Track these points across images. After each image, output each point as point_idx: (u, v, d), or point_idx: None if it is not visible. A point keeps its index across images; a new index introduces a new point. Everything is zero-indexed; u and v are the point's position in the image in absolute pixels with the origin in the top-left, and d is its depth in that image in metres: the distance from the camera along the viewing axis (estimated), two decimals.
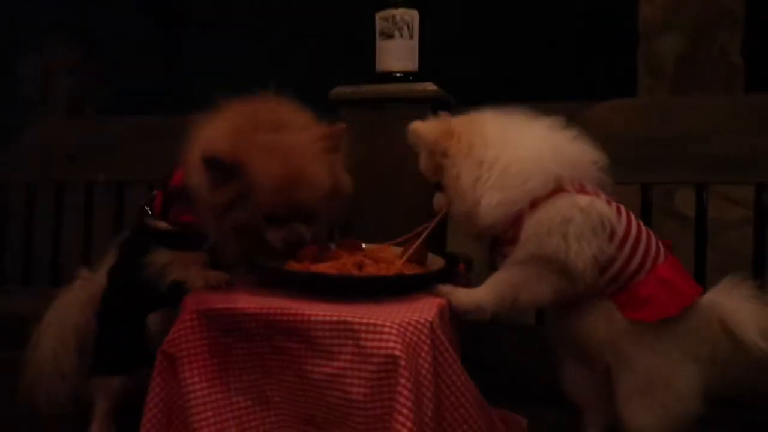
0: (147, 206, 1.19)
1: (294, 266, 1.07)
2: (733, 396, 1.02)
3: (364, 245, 1.21)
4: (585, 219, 0.98)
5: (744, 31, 2.45)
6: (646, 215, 1.41)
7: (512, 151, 1.01)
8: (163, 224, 1.16)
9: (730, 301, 1.01)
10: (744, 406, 1.20)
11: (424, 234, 1.11)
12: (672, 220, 2.19)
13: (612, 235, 0.99)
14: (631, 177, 1.39)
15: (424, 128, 1.07)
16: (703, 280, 1.34)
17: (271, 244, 1.07)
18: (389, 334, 0.87)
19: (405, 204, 1.34)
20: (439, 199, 1.11)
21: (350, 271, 1.05)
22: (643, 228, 1.04)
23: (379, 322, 0.88)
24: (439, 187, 1.10)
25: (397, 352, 0.85)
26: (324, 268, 1.05)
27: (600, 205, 0.99)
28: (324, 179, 1.06)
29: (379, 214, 1.37)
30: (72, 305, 1.30)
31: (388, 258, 1.13)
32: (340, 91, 1.41)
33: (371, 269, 1.07)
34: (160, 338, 1.19)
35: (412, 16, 1.36)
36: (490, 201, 0.99)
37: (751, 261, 1.33)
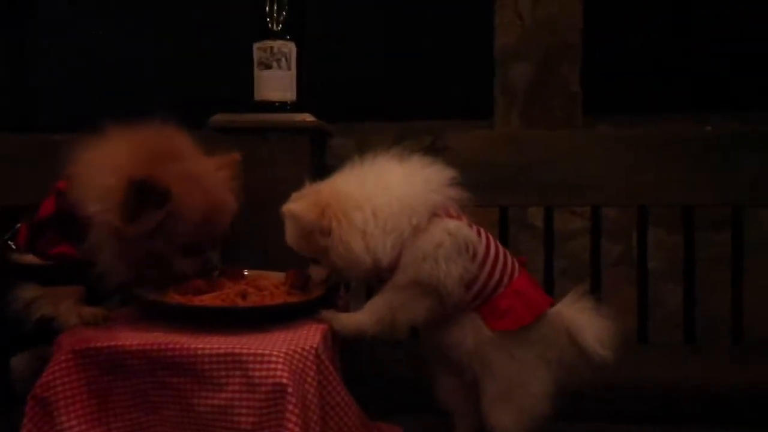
0: (9, 240, 1.12)
1: (176, 298, 1.07)
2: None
3: (246, 272, 1.24)
4: (453, 242, 1.07)
5: (582, 63, 2.77)
6: (503, 232, 1.58)
7: (387, 196, 1.07)
8: (30, 257, 1.09)
9: (573, 312, 1.15)
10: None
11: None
12: (525, 230, 2.44)
13: (474, 255, 1.11)
14: (490, 199, 1.55)
15: (301, 210, 1.06)
16: (552, 287, 1.54)
17: (182, 272, 1.08)
18: (276, 362, 0.91)
19: (282, 231, 1.38)
20: (317, 272, 1.13)
21: (234, 301, 1.07)
22: (500, 247, 1.17)
23: (266, 351, 0.92)
24: (314, 260, 1.13)
25: (285, 380, 0.89)
26: (208, 299, 1.06)
27: (464, 229, 1.10)
28: (234, 206, 1.12)
29: (256, 240, 1.39)
30: None
31: (269, 285, 1.17)
32: (220, 118, 1.41)
33: (255, 298, 1.10)
34: (25, 382, 1.13)
35: (289, 48, 1.41)
36: (385, 247, 1.05)
37: (589, 268, 1.55)
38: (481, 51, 2.86)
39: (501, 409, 1.14)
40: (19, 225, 1.15)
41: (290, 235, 1.11)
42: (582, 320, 1.14)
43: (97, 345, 0.95)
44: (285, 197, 1.17)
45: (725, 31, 2.65)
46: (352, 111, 2.74)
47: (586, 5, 2.79)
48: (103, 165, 1.03)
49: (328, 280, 1.15)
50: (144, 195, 0.98)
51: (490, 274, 1.12)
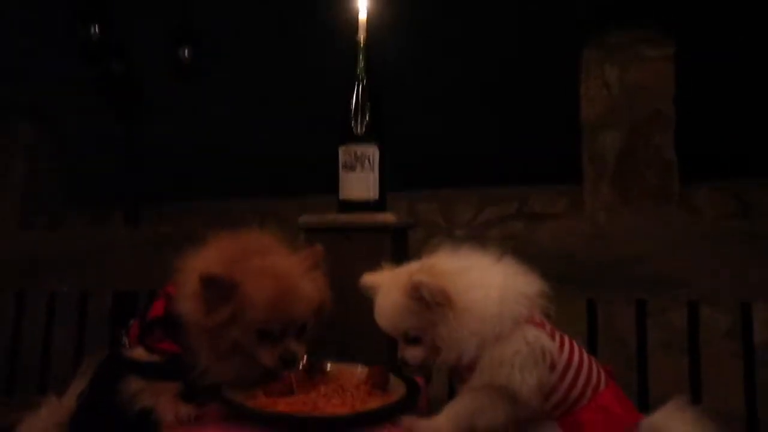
0: (125, 335, 1.25)
1: (262, 399, 1.13)
2: None
3: (329, 366, 1.28)
4: (530, 351, 1.07)
5: (676, 129, 2.68)
6: (592, 332, 1.53)
7: (483, 297, 1.09)
8: (139, 352, 1.21)
9: (674, 424, 1.09)
10: None
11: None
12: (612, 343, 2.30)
13: (553, 366, 1.09)
14: (578, 295, 1.52)
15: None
16: (646, 394, 1.45)
17: (263, 363, 1.14)
18: None
19: (364, 325, 1.41)
20: (413, 353, 1.13)
21: (316, 403, 1.12)
22: (585, 357, 1.14)
23: None
24: (411, 340, 1.13)
25: None
26: (290, 402, 1.12)
27: (544, 339, 1.10)
28: (312, 293, 1.17)
29: (340, 334, 1.43)
30: (39, 430, 1.30)
31: (350, 386, 1.20)
32: (308, 219, 1.52)
33: (337, 401, 1.14)
34: None
35: (372, 151, 1.50)
36: (470, 346, 1.08)
37: (688, 375, 1.46)
38: (568, 119, 2.85)
39: None
40: (132, 321, 1.28)
41: (396, 307, 1.12)
42: None
43: None
44: (365, 292, 1.21)
45: None
46: (436, 177, 2.79)
47: (678, 71, 2.72)
48: (194, 270, 1.14)
49: (424, 363, 1.14)
50: (212, 287, 1.08)
51: (572, 385, 1.09)
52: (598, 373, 1.13)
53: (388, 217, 1.46)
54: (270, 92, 3.10)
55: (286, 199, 2.82)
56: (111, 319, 1.82)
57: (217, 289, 1.09)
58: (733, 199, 2.54)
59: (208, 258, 1.16)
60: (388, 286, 1.16)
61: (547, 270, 1.40)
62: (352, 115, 1.52)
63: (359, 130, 1.51)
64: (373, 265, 1.44)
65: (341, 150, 1.52)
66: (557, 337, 1.13)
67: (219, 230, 1.21)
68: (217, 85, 3.22)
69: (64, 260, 1.96)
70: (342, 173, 1.51)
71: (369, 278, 1.20)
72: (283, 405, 1.11)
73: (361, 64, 1.54)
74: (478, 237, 2.80)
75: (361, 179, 1.48)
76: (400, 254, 1.52)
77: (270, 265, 1.15)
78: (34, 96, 3.23)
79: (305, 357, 1.26)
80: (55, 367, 1.89)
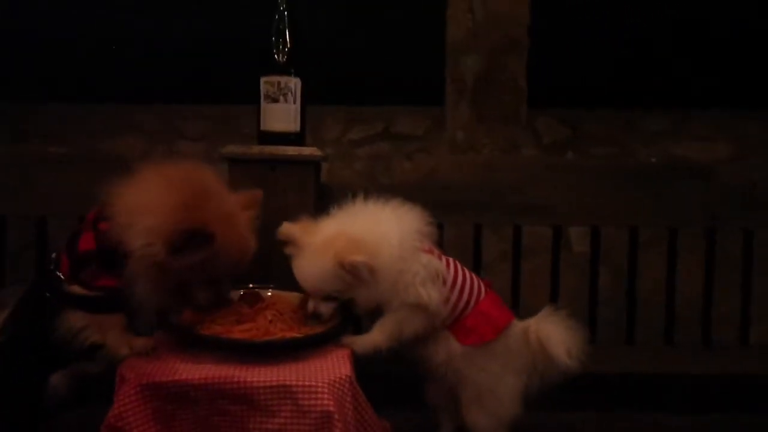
0: (56, 270, 1.21)
1: (216, 329, 1.21)
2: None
3: (270, 293, 1.39)
4: (426, 271, 1.29)
5: (528, 58, 2.97)
6: (477, 251, 1.80)
7: (389, 252, 1.25)
8: (77, 288, 1.19)
9: (546, 325, 1.38)
10: None
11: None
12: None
13: (444, 282, 1.32)
14: (465, 219, 1.77)
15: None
16: (518, 304, 1.78)
17: (196, 300, 1.20)
18: (322, 392, 1.08)
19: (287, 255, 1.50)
20: (327, 308, 1.27)
21: (267, 329, 1.23)
22: (467, 274, 1.38)
23: (312, 383, 1.09)
24: (326, 298, 1.26)
25: (331, 408, 1.07)
26: (244, 330, 1.22)
27: (435, 262, 1.32)
28: (254, 246, 1.23)
29: (264, 264, 1.50)
30: None
31: (288, 310, 1.32)
32: (233, 150, 1.52)
33: (282, 325, 1.25)
34: (60, 398, 1.24)
35: (295, 83, 1.52)
36: (384, 293, 1.26)
37: (549, 288, 1.80)
38: (434, 41, 2.97)
39: (475, 412, 1.37)
40: (55, 255, 1.24)
41: (323, 275, 1.23)
42: (553, 333, 1.36)
43: (162, 380, 1.08)
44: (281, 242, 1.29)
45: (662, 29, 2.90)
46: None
47: (534, 2, 2.95)
48: (142, 207, 1.13)
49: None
50: (191, 238, 1.09)
51: (459, 297, 1.34)
52: (479, 285, 1.38)
53: (314, 151, 1.53)
54: None
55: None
56: None
57: (192, 239, 1.09)
58: (566, 127, 2.96)
59: (155, 196, 1.14)
60: (312, 252, 1.25)
61: (418, 195, 1.59)
62: (274, 45, 1.51)
63: (282, 59, 1.51)
64: (297, 197, 1.53)
65: (263, 81, 1.51)
66: (443, 260, 1.36)
67: None
68: None
69: None
70: (264, 104, 1.52)
71: (288, 231, 1.28)
72: (237, 332, 1.21)
73: None
74: (345, 155, 2.92)
75: (283, 111, 1.51)
76: (318, 186, 1.61)
77: (230, 215, 1.17)
78: None
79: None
80: None
